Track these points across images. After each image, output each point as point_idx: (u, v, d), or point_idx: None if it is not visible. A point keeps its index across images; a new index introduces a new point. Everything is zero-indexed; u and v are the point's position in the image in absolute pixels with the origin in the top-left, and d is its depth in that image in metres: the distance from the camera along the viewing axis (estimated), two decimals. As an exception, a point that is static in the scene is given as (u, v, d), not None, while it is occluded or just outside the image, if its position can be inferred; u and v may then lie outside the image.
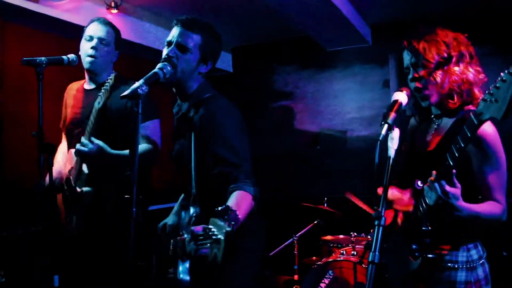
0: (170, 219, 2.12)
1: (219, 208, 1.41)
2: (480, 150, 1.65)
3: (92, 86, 2.59)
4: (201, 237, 1.50)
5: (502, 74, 1.27)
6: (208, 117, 1.86)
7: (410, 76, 1.77)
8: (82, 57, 2.52)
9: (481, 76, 1.73)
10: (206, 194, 1.89)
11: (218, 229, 1.35)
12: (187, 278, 1.79)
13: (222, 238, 1.32)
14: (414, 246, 1.74)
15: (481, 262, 1.73)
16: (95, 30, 2.50)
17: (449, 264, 1.71)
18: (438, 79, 1.70)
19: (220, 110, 1.89)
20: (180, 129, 2.01)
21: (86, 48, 2.49)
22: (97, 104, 2.31)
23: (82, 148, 2.28)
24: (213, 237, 1.34)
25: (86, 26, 2.55)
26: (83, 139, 2.31)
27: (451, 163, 1.47)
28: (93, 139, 2.29)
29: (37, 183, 2.30)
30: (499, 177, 1.68)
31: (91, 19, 2.57)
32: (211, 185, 1.87)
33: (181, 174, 2.09)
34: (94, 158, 2.29)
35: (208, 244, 1.38)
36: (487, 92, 1.31)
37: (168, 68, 1.80)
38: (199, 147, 1.87)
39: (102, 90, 2.30)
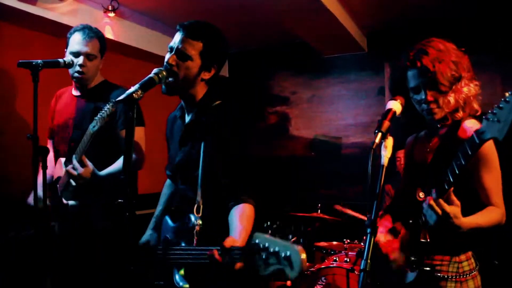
0: (151, 237, 2.12)
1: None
2: (478, 157, 1.66)
3: (80, 93, 2.61)
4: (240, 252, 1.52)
5: (506, 94, 1.29)
6: (220, 126, 1.84)
7: (422, 97, 1.76)
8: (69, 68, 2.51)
9: (478, 88, 1.78)
10: (211, 203, 1.86)
11: (280, 247, 1.32)
12: (186, 284, 1.78)
13: (293, 253, 1.28)
14: (412, 258, 1.74)
15: (472, 274, 1.73)
16: (80, 45, 2.47)
17: (439, 275, 1.72)
18: (452, 101, 1.73)
19: (232, 119, 1.88)
20: (187, 136, 1.97)
21: (73, 64, 2.49)
22: (92, 128, 2.26)
23: (72, 171, 2.31)
24: (283, 254, 1.30)
25: (70, 34, 2.53)
26: (74, 162, 2.32)
27: (451, 179, 1.49)
28: (86, 160, 2.31)
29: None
30: (496, 181, 1.70)
31: (74, 28, 2.54)
32: (217, 194, 1.85)
33: (186, 182, 2.04)
34: (83, 181, 2.32)
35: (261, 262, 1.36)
36: (490, 112, 1.32)
37: (164, 73, 1.78)
38: (208, 156, 1.85)
39: (99, 116, 2.24)
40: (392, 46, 4.60)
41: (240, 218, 1.73)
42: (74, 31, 2.52)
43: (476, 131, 1.37)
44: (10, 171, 3.19)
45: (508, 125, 1.27)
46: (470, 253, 1.77)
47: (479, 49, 3.99)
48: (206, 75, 1.90)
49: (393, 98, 1.71)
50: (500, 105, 1.29)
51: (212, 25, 1.93)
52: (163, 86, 1.83)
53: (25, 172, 2.51)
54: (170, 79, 1.80)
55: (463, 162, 1.44)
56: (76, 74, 2.50)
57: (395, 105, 1.67)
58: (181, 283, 1.79)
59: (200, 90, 1.92)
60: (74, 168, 2.31)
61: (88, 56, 2.49)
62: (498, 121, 1.29)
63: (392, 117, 1.63)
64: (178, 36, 1.87)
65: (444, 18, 4.28)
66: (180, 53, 1.83)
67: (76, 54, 2.48)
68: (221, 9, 4.01)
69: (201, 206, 1.84)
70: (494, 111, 1.31)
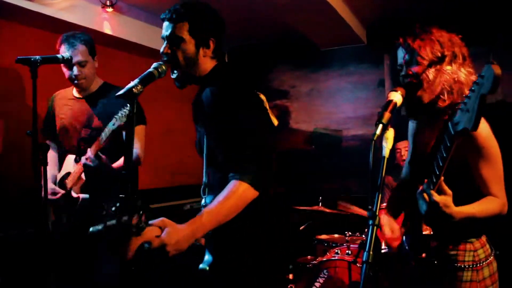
0: None
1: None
2: (473, 147, 1.64)
3: (82, 95, 2.67)
4: None
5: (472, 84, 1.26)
6: (206, 100, 1.73)
7: (402, 73, 1.77)
8: (66, 76, 2.58)
9: (473, 77, 1.72)
10: (214, 182, 1.79)
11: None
12: (206, 266, 1.75)
13: None
14: (416, 252, 1.73)
15: (488, 261, 1.72)
16: (70, 55, 2.51)
17: (456, 264, 1.70)
18: (431, 77, 1.70)
19: (219, 90, 1.72)
20: (195, 115, 1.89)
21: (68, 74, 2.57)
22: (112, 125, 2.33)
23: (89, 163, 2.38)
24: None
25: (60, 47, 2.56)
26: (90, 154, 2.37)
27: (437, 171, 1.47)
28: (100, 154, 2.37)
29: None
30: (494, 170, 1.66)
31: (61, 38, 2.57)
32: (218, 173, 1.77)
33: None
34: (98, 173, 2.40)
35: None
36: (461, 102, 1.30)
37: (164, 67, 1.77)
38: (208, 132, 1.77)
39: (119, 114, 2.30)
40: (391, 38, 4.56)
41: (216, 199, 1.58)
42: (61, 44, 2.56)
43: (451, 122, 1.35)
44: (10, 169, 3.19)
45: (475, 113, 1.24)
46: (484, 238, 1.74)
47: (477, 42, 3.99)
48: (206, 51, 1.84)
49: (393, 89, 1.69)
50: (469, 95, 1.26)
51: (193, 2, 1.89)
52: (176, 83, 1.82)
53: (25, 170, 2.52)
54: (175, 71, 1.80)
55: (444, 155, 1.42)
56: (75, 82, 2.58)
57: (396, 97, 1.66)
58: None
59: (207, 67, 1.86)
60: (91, 161, 2.37)
61: (80, 64, 2.54)
62: (468, 110, 1.26)
63: (393, 108, 1.61)
64: (164, 26, 1.87)
65: (444, 10, 4.26)
66: (170, 39, 1.82)
67: (69, 67, 2.55)
68: (220, 3, 3.98)
69: (207, 188, 1.81)
70: (465, 101, 1.28)
